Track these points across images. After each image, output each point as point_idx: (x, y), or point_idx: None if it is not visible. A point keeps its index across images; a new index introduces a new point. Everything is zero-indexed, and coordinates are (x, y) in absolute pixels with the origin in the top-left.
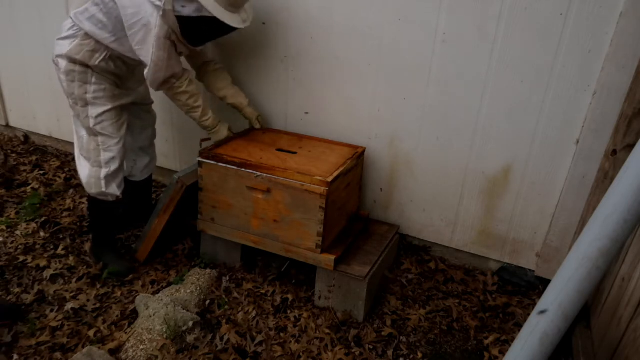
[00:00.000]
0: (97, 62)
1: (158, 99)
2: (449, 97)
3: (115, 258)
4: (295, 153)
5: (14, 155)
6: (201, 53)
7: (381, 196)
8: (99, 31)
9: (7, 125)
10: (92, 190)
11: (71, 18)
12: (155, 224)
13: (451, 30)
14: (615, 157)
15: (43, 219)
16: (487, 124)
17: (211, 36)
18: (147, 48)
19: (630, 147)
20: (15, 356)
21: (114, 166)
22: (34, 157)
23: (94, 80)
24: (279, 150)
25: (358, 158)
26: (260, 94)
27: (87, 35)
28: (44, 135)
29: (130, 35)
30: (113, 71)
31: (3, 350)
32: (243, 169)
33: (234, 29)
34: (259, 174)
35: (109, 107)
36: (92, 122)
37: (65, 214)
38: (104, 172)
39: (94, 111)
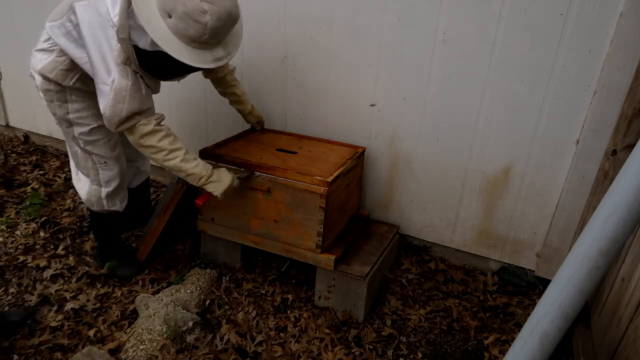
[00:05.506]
0: (71, 83)
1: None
2: (449, 97)
3: (120, 264)
4: (295, 153)
5: (14, 155)
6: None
7: (381, 196)
8: (75, 49)
9: (7, 125)
10: (93, 207)
11: (46, 30)
12: (156, 224)
13: (451, 30)
14: (615, 157)
15: (43, 219)
16: (487, 124)
17: (179, 72)
18: (105, 75)
19: (630, 147)
20: (15, 356)
21: (114, 184)
22: (34, 157)
23: (73, 97)
24: (279, 150)
25: (358, 158)
26: (260, 94)
27: (63, 52)
28: (44, 135)
29: (89, 58)
30: (92, 91)
31: (3, 350)
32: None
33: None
34: (259, 173)
35: (94, 125)
36: (81, 142)
37: (65, 214)
38: (104, 191)
39: (80, 130)
